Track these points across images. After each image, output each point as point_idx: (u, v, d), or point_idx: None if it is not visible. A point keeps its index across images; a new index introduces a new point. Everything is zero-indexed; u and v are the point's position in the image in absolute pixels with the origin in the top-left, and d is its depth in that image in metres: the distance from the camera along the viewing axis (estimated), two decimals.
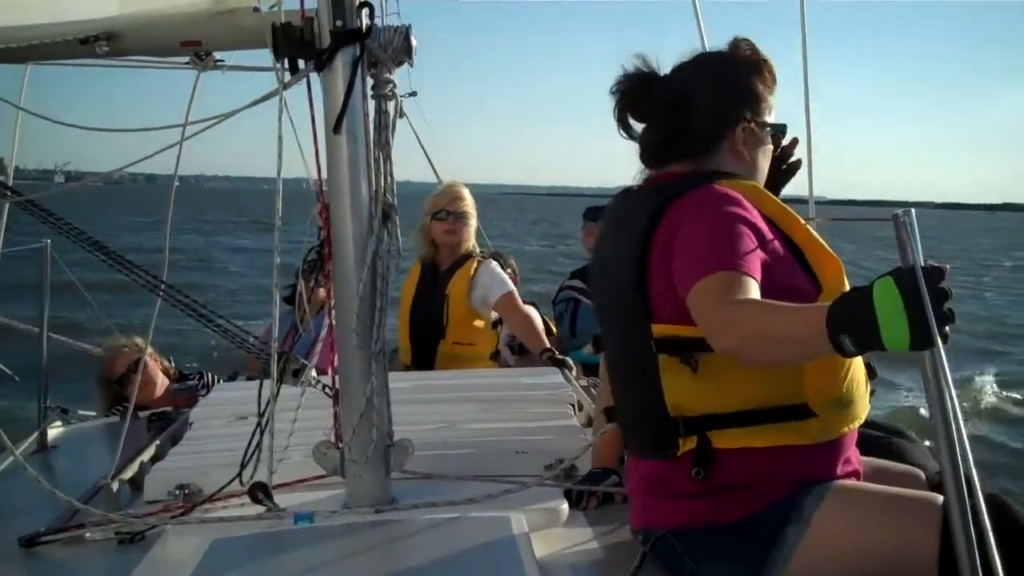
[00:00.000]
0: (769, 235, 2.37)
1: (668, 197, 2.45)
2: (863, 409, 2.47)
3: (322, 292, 5.84)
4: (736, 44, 2.65)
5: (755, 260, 2.25)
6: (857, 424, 2.47)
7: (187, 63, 3.32)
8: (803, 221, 2.46)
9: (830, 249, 2.41)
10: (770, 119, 2.64)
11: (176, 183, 3.89)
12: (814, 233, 2.45)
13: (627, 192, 2.69)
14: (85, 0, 3.12)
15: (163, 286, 3.35)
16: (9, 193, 3.59)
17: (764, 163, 2.65)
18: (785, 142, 2.74)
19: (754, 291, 2.17)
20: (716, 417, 2.38)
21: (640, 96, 2.63)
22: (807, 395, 2.33)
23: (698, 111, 2.58)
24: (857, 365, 2.42)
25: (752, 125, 2.58)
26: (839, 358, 2.19)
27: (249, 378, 6.11)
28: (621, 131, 2.69)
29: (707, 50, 2.75)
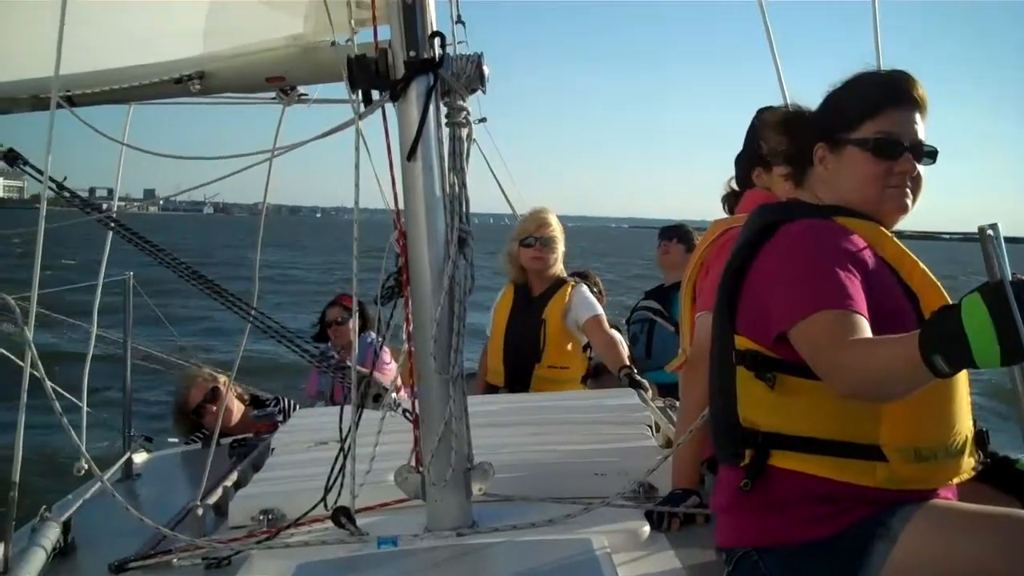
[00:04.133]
0: (881, 276, 2.34)
1: (777, 220, 2.46)
2: (952, 471, 2.36)
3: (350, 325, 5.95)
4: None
5: (862, 295, 2.23)
6: (941, 484, 2.38)
7: (274, 98, 3.40)
8: (923, 265, 2.41)
9: (946, 294, 2.34)
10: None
11: (266, 207, 4.01)
12: (933, 278, 2.39)
13: (758, 207, 2.70)
14: (175, 41, 3.24)
15: (253, 311, 3.43)
16: (112, 223, 3.71)
17: (850, 184, 2.49)
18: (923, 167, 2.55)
19: (864, 329, 2.15)
20: (783, 437, 2.36)
21: (782, 127, 2.67)
22: (881, 437, 2.29)
23: (799, 137, 2.61)
24: (949, 420, 2.33)
25: (825, 146, 2.53)
26: (921, 404, 2.19)
27: (324, 402, 6.21)
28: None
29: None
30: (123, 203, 4.57)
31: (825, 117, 2.57)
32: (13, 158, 3.47)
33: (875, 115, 2.46)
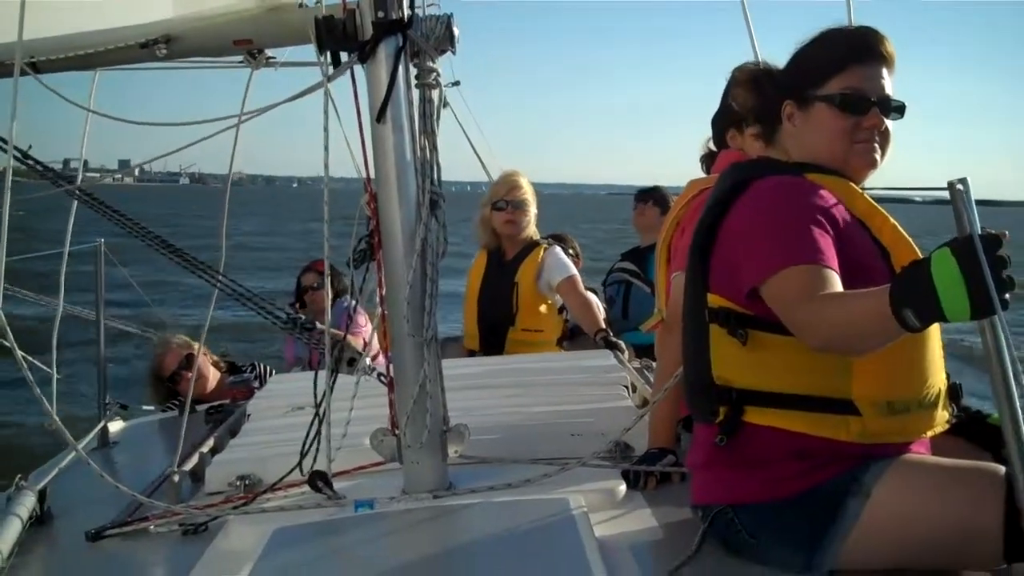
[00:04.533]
0: (852, 231, 2.34)
1: (748, 177, 2.46)
2: (926, 424, 2.39)
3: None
4: None
5: (833, 250, 2.24)
6: (915, 438, 2.40)
7: (241, 62, 3.37)
8: (892, 220, 2.41)
9: (918, 250, 2.35)
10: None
11: (242, 177, 4.00)
12: (903, 233, 2.40)
13: (730, 165, 2.70)
14: (140, 5, 3.19)
15: (220, 277, 3.41)
16: (79, 191, 3.68)
17: (818, 139, 2.50)
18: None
19: (835, 283, 2.16)
20: (757, 393, 2.38)
21: (750, 85, 2.67)
22: (853, 391, 2.30)
23: (767, 95, 2.62)
24: (921, 374, 2.35)
25: (793, 103, 2.53)
26: (893, 358, 2.21)
27: (301, 368, 6.19)
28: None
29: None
30: (94, 174, 4.52)
31: (792, 74, 2.56)
32: None
33: (841, 71, 2.46)
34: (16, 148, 3.35)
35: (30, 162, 3.52)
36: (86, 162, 4.77)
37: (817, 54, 2.53)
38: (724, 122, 3.64)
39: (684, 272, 3.28)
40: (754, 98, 2.67)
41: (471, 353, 5.73)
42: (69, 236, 4.55)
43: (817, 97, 2.48)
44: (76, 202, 3.93)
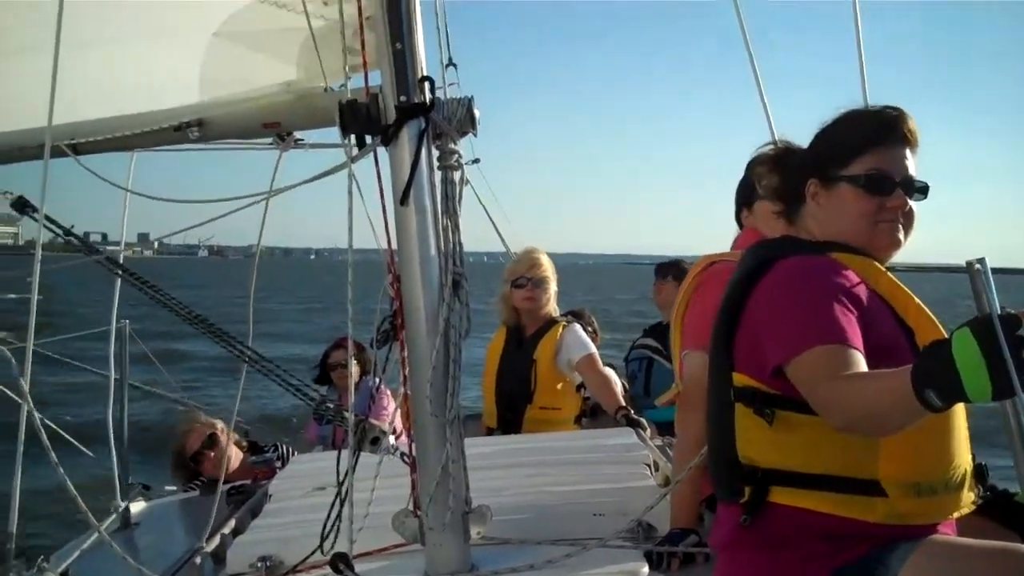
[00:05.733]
0: (876, 311, 2.35)
1: (772, 256, 2.48)
2: (952, 506, 2.37)
3: (355, 370, 5.92)
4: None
5: (857, 330, 2.24)
6: (941, 519, 2.37)
7: (271, 143, 3.43)
8: (917, 299, 2.42)
9: (943, 329, 2.35)
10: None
11: (253, 247, 4.05)
12: (927, 312, 2.41)
13: (753, 244, 2.72)
14: (173, 89, 3.29)
15: (249, 352, 3.44)
16: (120, 271, 3.76)
17: (842, 219, 2.52)
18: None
19: (860, 363, 2.16)
20: (782, 473, 2.36)
21: (772, 164, 2.70)
22: (880, 472, 2.29)
23: (789, 174, 2.64)
24: (948, 455, 2.34)
25: (817, 182, 2.55)
26: (919, 439, 2.21)
27: (324, 448, 6.18)
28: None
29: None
30: (118, 247, 4.60)
31: (817, 153, 2.59)
32: (22, 205, 3.51)
33: (866, 152, 2.48)
34: (58, 224, 3.46)
35: (70, 238, 3.59)
36: (105, 235, 4.86)
37: (842, 134, 2.56)
38: (738, 203, 3.69)
39: (696, 350, 3.29)
40: (777, 177, 2.69)
41: (490, 431, 5.71)
42: (115, 312, 4.62)
43: (842, 177, 2.50)
44: (119, 280, 3.99)
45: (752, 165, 3.60)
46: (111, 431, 4.29)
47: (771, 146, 2.81)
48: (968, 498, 2.39)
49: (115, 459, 4.86)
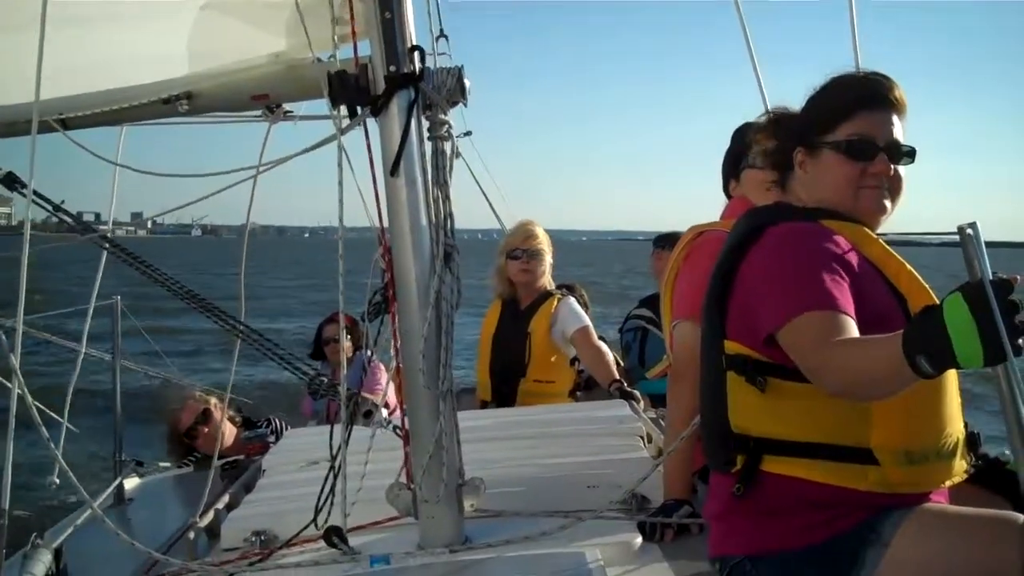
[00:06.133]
0: (867, 277, 2.34)
1: (765, 222, 2.47)
2: (944, 474, 2.36)
3: (348, 344, 5.92)
4: None
5: (848, 296, 2.23)
6: (933, 487, 2.38)
7: (259, 116, 3.41)
8: (908, 266, 2.41)
9: (934, 295, 2.33)
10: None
11: (254, 227, 4.04)
12: (919, 278, 2.40)
13: (745, 211, 2.71)
14: (159, 62, 3.26)
15: (242, 327, 3.43)
16: (107, 244, 3.74)
17: (828, 185, 2.51)
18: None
19: (851, 329, 2.15)
20: (775, 442, 2.36)
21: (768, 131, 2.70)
22: (872, 440, 2.28)
23: (779, 142, 2.63)
24: (939, 423, 2.33)
25: (804, 149, 2.55)
26: (911, 406, 2.21)
27: (318, 422, 6.18)
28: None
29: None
30: (114, 226, 4.59)
31: (803, 121, 2.58)
32: (11, 181, 3.49)
33: (849, 117, 2.47)
34: (48, 200, 3.44)
35: (62, 215, 3.57)
36: (98, 215, 4.85)
37: (826, 101, 2.54)
38: (725, 171, 3.71)
39: (685, 320, 3.28)
40: (771, 144, 2.69)
41: (484, 404, 5.71)
42: (96, 290, 4.59)
43: (825, 143, 2.49)
44: (105, 255, 3.97)
45: (742, 133, 3.60)
46: (66, 406, 4.26)
47: (766, 115, 2.80)
48: (960, 466, 2.38)
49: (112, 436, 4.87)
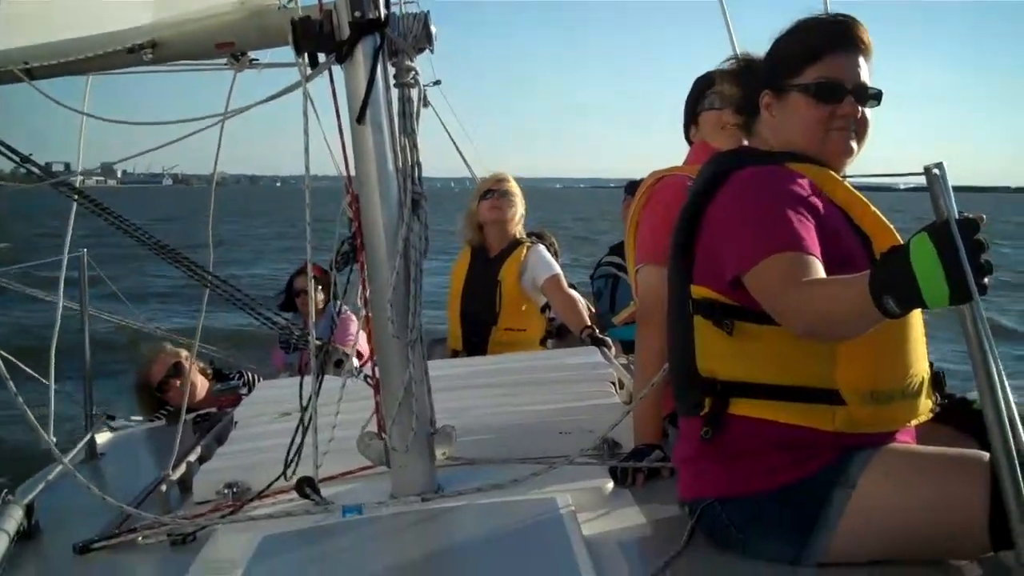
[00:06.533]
0: (833, 219, 2.35)
1: (729, 167, 2.47)
2: (910, 413, 2.39)
3: (319, 296, 5.88)
4: None
5: (814, 237, 2.24)
6: (899, 427, 2.40)
7: (225, 64, 3.36)
8: (873, 207, 2.41)
9: (899, 236, 2.34)
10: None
11: (225, 177, 4.02)
12: (884, 219, 2.40)
13: (711, 156, 2.70)
14: (123, 10, 3.21)
15: (211, 277, 3.40)
16: (77, 196, 3.70)
17: (796, 128, 2.50)
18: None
19: (817, 270, 2.16)
20: (742, 385, 2.38)
21: (733, 76, 2.70)
22: (838, 381, 2.30)
23: (747, 86, 2.63)
24: (905, 362, 2.35)
25: (771, 92, 2.54)
26: (876, 346, 2.22)
27: (290, 374, 6.17)
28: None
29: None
30: (83, 175, 4.56)
31: (769, 64, 2.57)
32: None
33: (816, 60, 2.47)
34: (15, 152, 3.41)
35: (29, 165, 3.52)
36: (68, 164, 4.83)
37: (793, 44, 2.53)
38: (686, 118, 3.78)
39: (649, 264, 3.30)
40: (737, 89, 2.68)
41: (455, 353, 5.72)
42: (68, 242, 4.56)
43: (793, 86, 2.48)
44: (75, 207, 3.93)
45: (701, 80, 3.63)
46: (52, 360, 4.24)
47: (732, 61, 2.79)
48: (926, 405, 2.41)
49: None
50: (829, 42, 2.48)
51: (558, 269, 5.73)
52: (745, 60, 2.72)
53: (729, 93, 2.74)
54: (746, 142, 2.71)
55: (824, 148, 2.47)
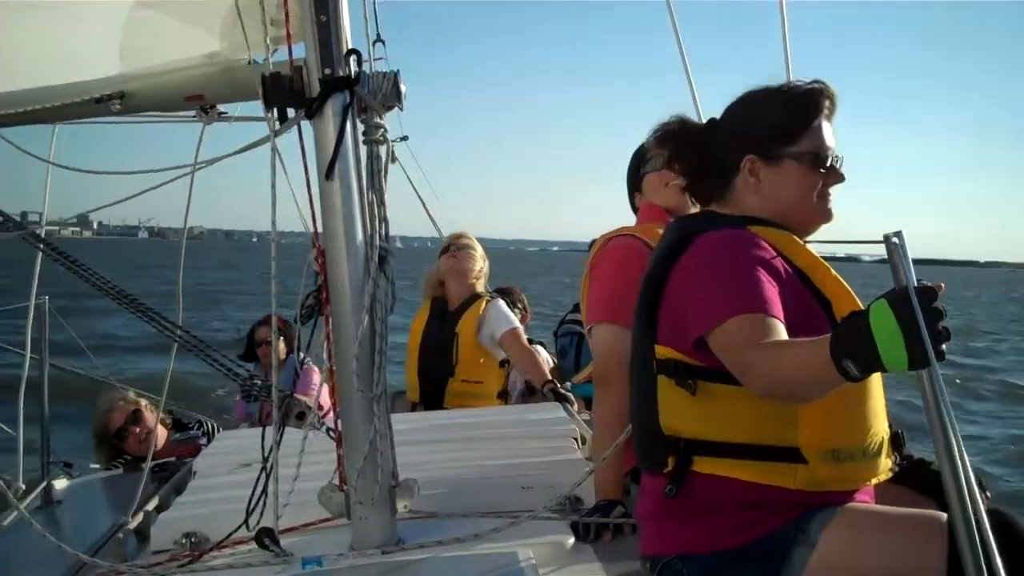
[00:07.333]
0: (794, 283, 2.40)
1: (694, 231, 2.51)
2: (870, 472, 2.43)
3: (281, 346, 5.89)
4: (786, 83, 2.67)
5: (777, 300, 2.28)
6: (860, 485, 2.44)
7: (193, 116, 3.39)
8: (834, 272, 2.47)
9: (859, 300, 2.40)
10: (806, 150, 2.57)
11: (193, 228, 4.03)
12: (844, 284, 2.45)
13: (675, 220, 2.74)
14: (91, 60, 3.23)
15: (180, 332, 3.40)
16: (42, 245, 3.70)
17: (789, 195, 2.56)
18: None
19: (780, 332, 2.20)
20: (705, 443, 2.41)
21: (678, 138, 2.70)
22: (800, 440, 2.34)
23: (717, 149, 2.64)
24: (865, 422, 2.40)
25: (758, 159, 2.57)
26: (837, 407, 2.27)
27: (250, 425, 6.14)
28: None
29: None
30: (57, 226, 4.57)
31: (756, 129, 2.59)
32: None
33: (807, 127, 2.54)
34: None
35: None
36: (40, 215, 4.82)
37: (783, 110, 2.58)
38: (629, 187, 3.93)
39: (601, 323, 3.35)
40: (694, 154, 2.69)
41: (414, 406, 5.73)
42: (35, 288, 4.55)
43: (787, 154, 2.54)
44: (40, 255, 3.93)
45: (640, 153, 3.75)
46: (20, 408, 4.21)
47: (671, 122, 2.80)
48: (886, 465, 2.45)
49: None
50: (817, 110, 2.56)
51: (516, 323, 5.77)
52: (708, 124, 2.76)
53: (686, 158, 2.76)
54: (690, 200, 2.77)
55: (818, 215, 2.57)
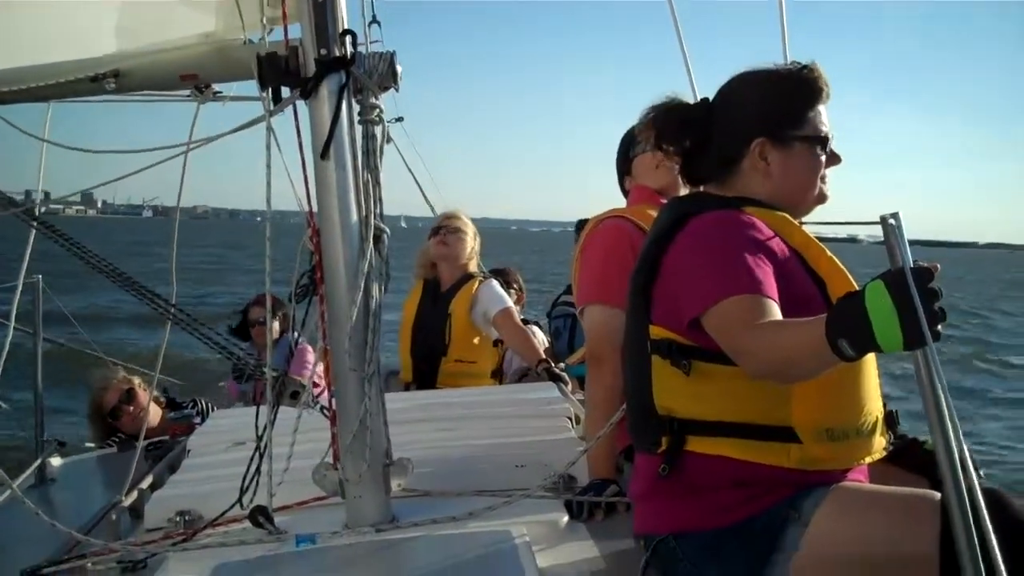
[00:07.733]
0: (789, 263, 2.41)
1: (688, 212, 2.52)
2: (864, 451, 2.44)
3: (276, 326, 5.90)
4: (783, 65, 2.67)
5: (772, 281, 2.29)
6: (853, 464, 2.45)
7: (188, 95, 3.38)
8: (829, 252, 2.48)
9: (854, 282, 2.40)
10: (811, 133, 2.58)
11: (198, 207, 4.03)
12: (839, 264, 2.47)
13: (669, 201, 2.75)
14: (86, 39, 3.22)
15: (173, 309, 3.41)
16: (35, 223, 3.70)
17: (799, 178, 2.58)
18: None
19: (774, 312, 2.22)
20: (699, 423, 2.42)
21: (669, 119, 2.68)
22: (793, 419, 2.35)
23: (718, 131, 2.63)
24: (859, 401, 2.41)
25: (768, 141, 2.56)
26: (831, 386, 2.27)
27: (245, 404, 6.15)
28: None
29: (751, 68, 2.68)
30: (61, 204, 4.58)
31: (764, 112, 2.59)
32: None
33: (812, 110, 2.56)
34: None
35: None
36: (47, 193, 4.81)
37: (790, 94, 2.59)
38: (619, 171, 3.91)
39: (592, 304, 3.36)
40: (690, 135, 2.68)
41: (408, 386, 5.74)
42: (25, 265, 4.55)
43: (797, 137, 2.55)
44: (34, 232, 3.93)
45: (629, 136, 3.75)
46: None
47: (658, 105, 2.78)
48: (880, 444, 2.47)
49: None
50: (820, 93, 2.58)
51: (509, 303, 5.78)
52: (707, 105, 2.73)
53: (680, 139, 2.74)
54: (681, 180, 2.78)
55: (818, 197, 2.60)
